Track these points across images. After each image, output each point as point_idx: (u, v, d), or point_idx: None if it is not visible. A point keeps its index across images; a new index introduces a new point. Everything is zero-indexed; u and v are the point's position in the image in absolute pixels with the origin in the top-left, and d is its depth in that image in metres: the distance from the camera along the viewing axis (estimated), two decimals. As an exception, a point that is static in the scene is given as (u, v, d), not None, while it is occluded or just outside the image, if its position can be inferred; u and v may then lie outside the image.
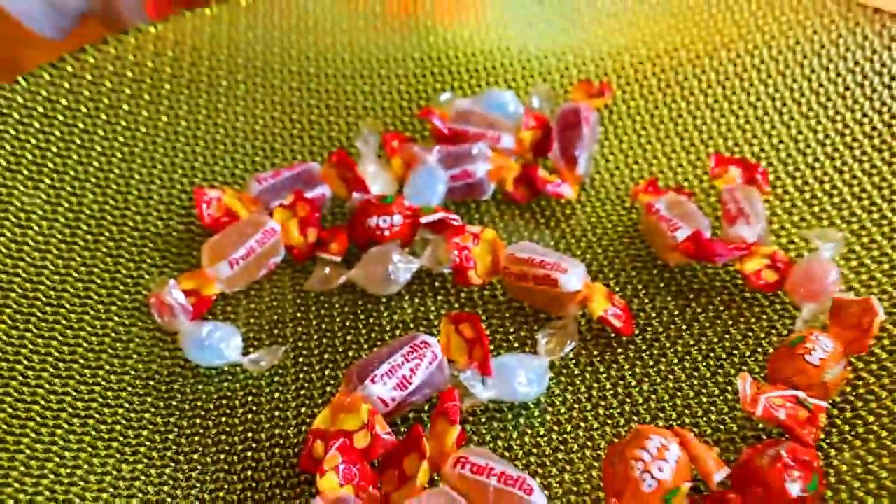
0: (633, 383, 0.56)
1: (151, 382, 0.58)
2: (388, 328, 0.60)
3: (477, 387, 0.53)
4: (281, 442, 0.55)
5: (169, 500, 0.52)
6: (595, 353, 0.58)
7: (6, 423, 0.54)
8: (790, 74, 0.72)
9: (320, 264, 0.63)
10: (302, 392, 0.57)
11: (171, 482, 0.53)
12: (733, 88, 0.73)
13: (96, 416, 0.55)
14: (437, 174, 0.66)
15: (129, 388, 0.57)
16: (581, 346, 0.58)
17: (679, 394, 0.55)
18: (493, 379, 0.53)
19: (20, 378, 0.56)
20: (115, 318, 0.61)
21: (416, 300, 0.62)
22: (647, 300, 0.60)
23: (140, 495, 0.51)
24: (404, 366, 0.53)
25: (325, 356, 0.59)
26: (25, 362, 0.57)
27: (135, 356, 0.59)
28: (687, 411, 0.54)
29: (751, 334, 0.58)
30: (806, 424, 0.49)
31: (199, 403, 0.57)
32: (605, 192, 0.68)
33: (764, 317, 0.58)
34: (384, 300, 0.62)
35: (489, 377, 0.53)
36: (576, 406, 0.55)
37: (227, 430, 0.55)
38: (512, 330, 0.60)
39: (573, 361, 0.57)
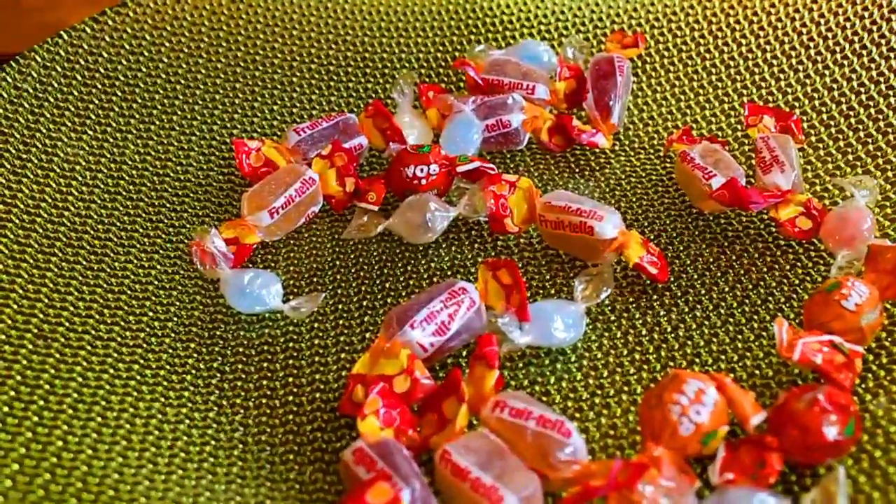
0: (669, 329, 0.56)
1: (194, 329, 0.59)
2: (425, 276, 0.61)
3: (514, 332, 0.53)
4: (321, 387, 0.55)
5: (213, 442, 0.53)
6: (631, 299, 0.58)
7: (55, 367, 0.55)
8: (824, 23, 0.72)
9: (358, 213, 0.63)
10: (341, 338, 0.58)
11: (214, 425, 0.53)
12: (767, 37, 0.73)
13: (141, 361, 0.56)
14: (472, 124, 0.66)
15: (173, 335, 0.58)
16: (617, 292, 0.58)
17: (715, 340, 0.55)
18: (531, 324, 0.54)
19: (66, 325, 0.57)
20: (158, 267, 0.62)
21: (453, 248, 0.62)
22: (681, 248, 0.61)
23: (185, 437, 0.52)
24: (443, 311, 0.53)
25: (364, 303, 0.60)
26: (72, 308, 0.58)
27: (177, 303, 0.60)
28: (722, 357, 0.54)
29: (785, 281, 0.58)
30: (843, 369, 0.49)
31: (240, 349, 0.58)
32: (638, 142, 0.69)
33: (798, 264, 0.59)
34: (421, 248, 0.62)
35: (526, 322, 0.54)
36: (612, 351, 0.55)
37: (269, 374, 0.56)
38: (548, 277, 0.60)
39: (609, 308, 0.58)
